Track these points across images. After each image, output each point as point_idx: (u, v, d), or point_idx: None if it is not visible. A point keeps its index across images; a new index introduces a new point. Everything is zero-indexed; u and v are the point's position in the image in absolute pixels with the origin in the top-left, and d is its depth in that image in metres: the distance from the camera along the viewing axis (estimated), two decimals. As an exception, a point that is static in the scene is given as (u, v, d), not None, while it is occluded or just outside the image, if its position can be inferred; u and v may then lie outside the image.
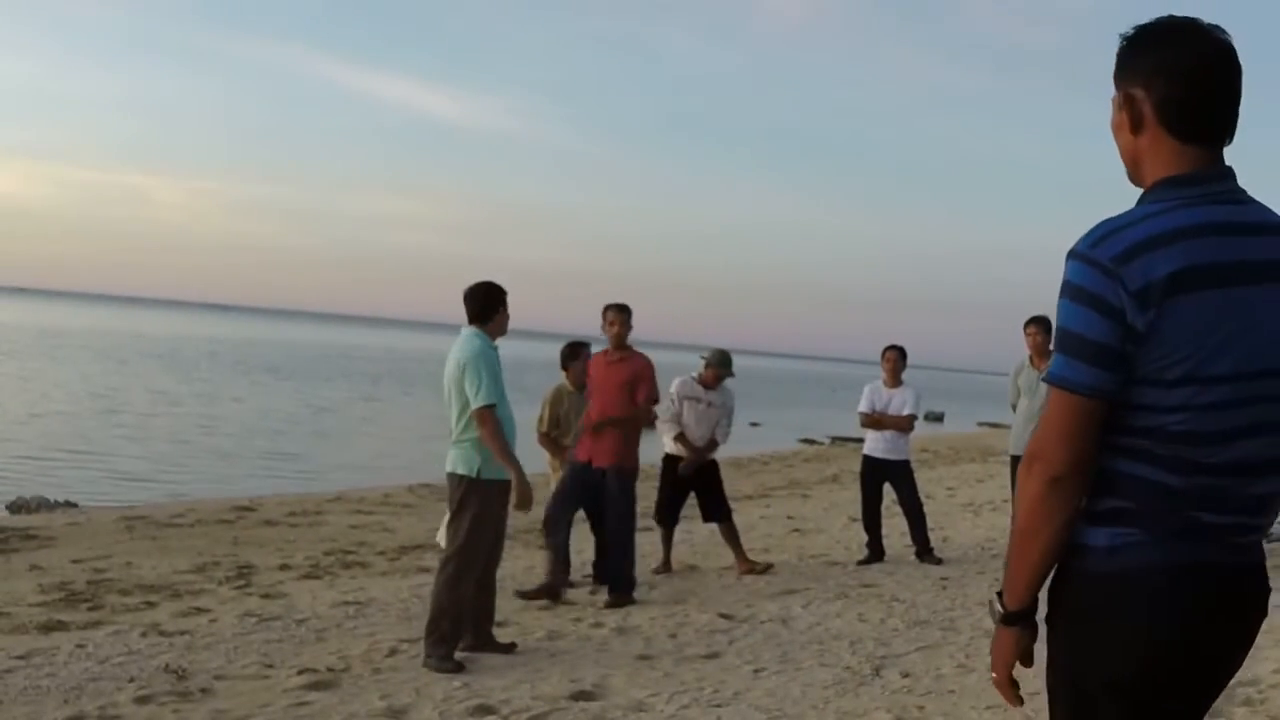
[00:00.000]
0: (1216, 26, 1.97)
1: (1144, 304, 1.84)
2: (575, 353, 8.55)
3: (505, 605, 6.90)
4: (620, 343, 7.85)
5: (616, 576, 7.73)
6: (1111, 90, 2.06)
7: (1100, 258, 1.87)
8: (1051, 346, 1.97)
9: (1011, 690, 2.08)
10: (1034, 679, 2.10)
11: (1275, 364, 1.91)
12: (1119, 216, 1.93)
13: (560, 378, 8.65)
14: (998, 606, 2.05)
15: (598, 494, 8.35)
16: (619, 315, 7.83)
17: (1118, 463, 1.93)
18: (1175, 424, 1.89)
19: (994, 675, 2.10)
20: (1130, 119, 2.00)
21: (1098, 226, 1.92)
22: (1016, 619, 2.03)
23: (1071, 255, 1.91)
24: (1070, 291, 1.90)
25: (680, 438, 8.85)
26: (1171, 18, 2.00)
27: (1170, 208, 1.91)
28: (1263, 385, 1.90)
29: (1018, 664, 2.07)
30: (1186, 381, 1.87)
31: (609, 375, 7.79)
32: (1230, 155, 2.00)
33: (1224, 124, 1.98)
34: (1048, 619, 2.04)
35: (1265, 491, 1.97)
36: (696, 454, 8.84)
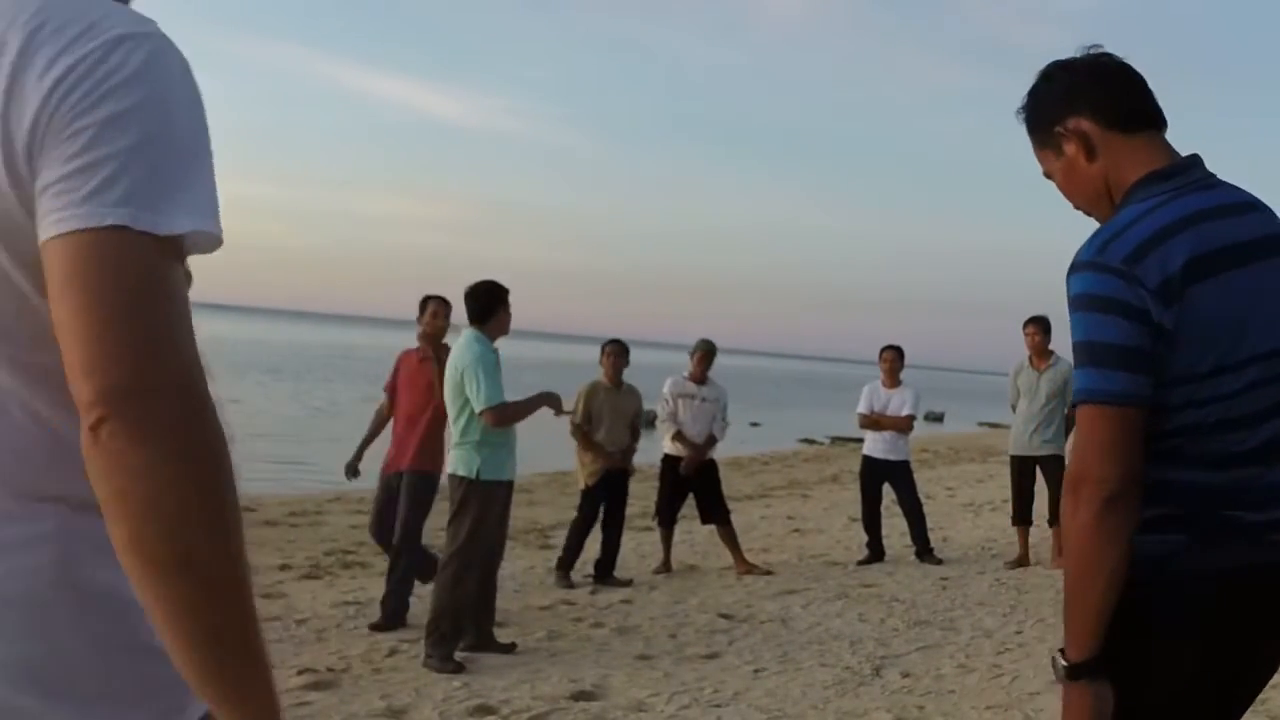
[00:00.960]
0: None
1: (1167, 300, 1.80)
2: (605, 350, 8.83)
3: (505, 605, 6.90)
4: (440, 336, 6.91)
5: (393, 599, 6.66)
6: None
7: (1111, 261, 1.82)
8: (1073, 363, 1.90)
9: None
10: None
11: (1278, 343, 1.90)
12: (1113, 221, 1.90)
13: (597, 373, 8.72)
14: (1061, 662, 1.88)
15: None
16: (442, 307, 6.89)
17: (1152, 469, 1.84)
18: (1208, 416, 1.85)
19: None
20: (1083, 149, 2.00)
21: (1096, 235, 1.89)
22: (1086, 670, 1.86)
23: (1078, 268, 1.85)
24: (1086, 303, 1.83)
25: (678, 436, 8.88)
26: (1055, 60, 2.07)
27: (1161, 202, 1.89)
28: (1276, 364, 1.89)
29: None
30: (1217, 372, 1.84)
31: (421, 372, 6.86)
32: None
33: (1157, 106, 2.02)
34: None
35: None
36: (697, 451, 8.86)
